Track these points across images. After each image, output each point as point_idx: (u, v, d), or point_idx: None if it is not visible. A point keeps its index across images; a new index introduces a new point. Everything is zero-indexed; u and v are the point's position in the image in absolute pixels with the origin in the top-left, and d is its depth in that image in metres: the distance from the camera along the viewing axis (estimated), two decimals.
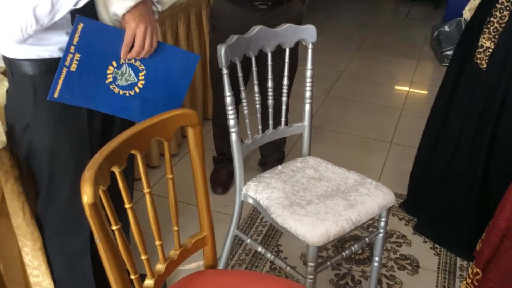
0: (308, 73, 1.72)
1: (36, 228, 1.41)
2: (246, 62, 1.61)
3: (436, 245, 2.09)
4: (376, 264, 1.71)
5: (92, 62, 1.18)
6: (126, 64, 1.22)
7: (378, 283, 1.82)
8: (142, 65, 1.24)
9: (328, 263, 1.53)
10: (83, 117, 1.28)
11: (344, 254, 1.58)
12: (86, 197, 0.87)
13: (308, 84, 1.73)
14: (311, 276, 1.45)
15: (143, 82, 1.26)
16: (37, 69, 1.18)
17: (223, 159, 2.40)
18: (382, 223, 1.61)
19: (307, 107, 1.75)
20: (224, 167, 2.39)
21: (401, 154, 2.72)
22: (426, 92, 3.60)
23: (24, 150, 1.30)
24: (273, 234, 2.14)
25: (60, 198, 1.37)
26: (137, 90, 1.27)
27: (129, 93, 1.26)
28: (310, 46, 1.70)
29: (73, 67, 1.15)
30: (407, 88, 3.64)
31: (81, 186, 0.88)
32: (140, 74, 1.25)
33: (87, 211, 0.87)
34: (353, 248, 1.61)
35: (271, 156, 2.46)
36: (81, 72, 1.17)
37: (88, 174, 0.89)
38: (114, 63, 1.21)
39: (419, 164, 2.22)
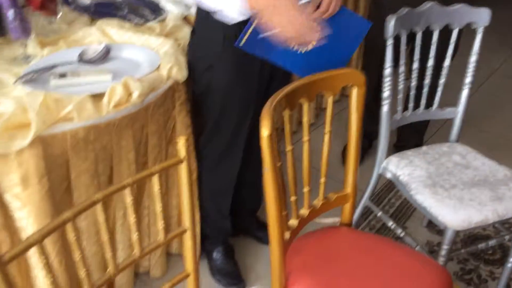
0: (473, 58, 1.66)
1: (195, 160, 1.58)
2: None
3: None
4: (509, 265, 1.62)
5: None
6: None
7: (506, 286, 1.73)
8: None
9: (462, 250, 1.50)
10: (257, 66, 1.39)
11: (479, 246, 1.54)
12: (265, 129, 0.97)
13: (471, 69, 1.67)
14: (443, 259, 1.44)
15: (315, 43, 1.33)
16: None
17: None
18: None
19: (465, 92, 1.70)
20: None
21: None
22: None
23: (202, 88, 1.45)
24: (400, 216, 2.12)
25: (222, 136, 1.51)
26: (308, 48, 1.34)
27: (301, 50, 1.33)
28: (480, 30, 1.63)
29: None
30: None
31: (261, 119, 0.98)
32: None
33: (264, 142, 0.97)
34: (489, 242, 1.55)
35: (409, 140, 2.41)
36: None
37: (267, 110, 0.99)
38: None
39: None
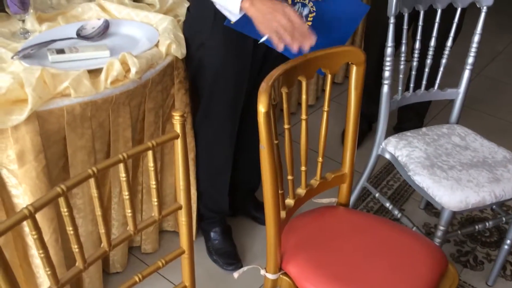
0: (476, 38, 1.63)
1: (193, 139, 1.57)
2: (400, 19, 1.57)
3: None
4: (506, 247, 1.63)
5: None
6: (300, 3, 1.28)
7: (502, 268, 1.74)
8: (313, 7, 1.29)
9: (459, 232, 1.50)
10: (250, 45, 1.37)
11: (477, 227, 1.54)
12: (262, 105, 0.96)
13: (473, 50, 1.65)
14: (439, 240, 1.44)
15: (309, 23, 1.31)
16: None
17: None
18: None
19: (467, 73, 1.68)
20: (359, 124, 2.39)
21: None
22: None
23: (194, 66, 1.44)
24: (397, 198, 2.13)
25: (214, 116, 1.51)
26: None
27: None
28: (484, 9, 1.60)
29: None
30: None
31: (258, 96, 0.97)
32: (310, 15, 1.30)
33: (261, 119, 0.96)
34: (487, 223, 1.55)
35: (409, 123, 2.39)
36: None
37: (265, 86, 0.97)
38: (289, 0, 1.27)
39: None
